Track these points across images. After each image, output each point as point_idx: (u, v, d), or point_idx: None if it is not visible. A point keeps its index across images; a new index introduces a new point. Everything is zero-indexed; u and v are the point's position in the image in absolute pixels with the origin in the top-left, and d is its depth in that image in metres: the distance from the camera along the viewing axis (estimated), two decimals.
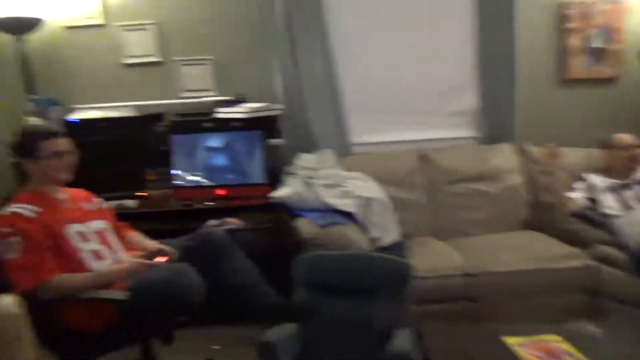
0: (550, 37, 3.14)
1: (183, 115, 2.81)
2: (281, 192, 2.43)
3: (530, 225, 2.79)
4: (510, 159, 2.94)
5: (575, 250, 2.40)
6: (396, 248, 2.39)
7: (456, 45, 3.08)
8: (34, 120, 2.48)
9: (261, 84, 2.95)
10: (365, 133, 3.11)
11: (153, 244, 1.92)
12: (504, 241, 2.59)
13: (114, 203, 2.42)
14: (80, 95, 2.90)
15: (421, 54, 3.06)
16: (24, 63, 2.67)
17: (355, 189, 2.45)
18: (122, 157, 2.58)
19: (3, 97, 2.78)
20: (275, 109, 2.76)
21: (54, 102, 2.57)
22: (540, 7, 3.09)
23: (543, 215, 2.72)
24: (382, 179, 2.75)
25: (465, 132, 3.18)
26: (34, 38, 2.73)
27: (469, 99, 3.15)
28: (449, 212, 2.81)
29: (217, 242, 1.97)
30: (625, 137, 2.73)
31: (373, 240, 2.37)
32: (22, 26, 2.62)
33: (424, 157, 2.92)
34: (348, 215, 2.38)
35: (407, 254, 2.39)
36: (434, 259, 2.37)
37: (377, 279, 1.85)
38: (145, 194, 2.51)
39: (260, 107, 2.63)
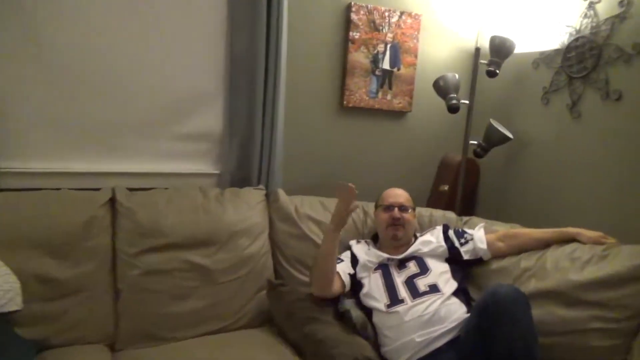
0: (335, 47, 2.30)
1: None
2: None
3: (270, 318, 1.85)
4: (255, 212, 1.97)
5: None
6: None
7: (197, 45, 2.06)
8: None
9: None
10: (36, 158, 1.87)
11: None
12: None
13: None
14: None
15: (149, 52, 1.98)
16: None
17: None
18: None
19: None
20: None
21: None
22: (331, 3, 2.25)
23: (282, 307, 1.78)
24: (27, 241, 1.55)
25: (198, 165, 2.15)
26: None
27: (210, 119, 2.14)
28: (140, 300, 1.69)
29: None
30: (392, 194, 1.98)
31: None
32: None
33: (113, 204, 1.78)
34: None
35: None
36: None
37: None
38: None
39: None
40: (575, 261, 1.66)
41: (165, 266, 1.72)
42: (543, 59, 2.24)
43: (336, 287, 1.77)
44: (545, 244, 1.80)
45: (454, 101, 2.23)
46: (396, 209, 1.90)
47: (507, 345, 1.37)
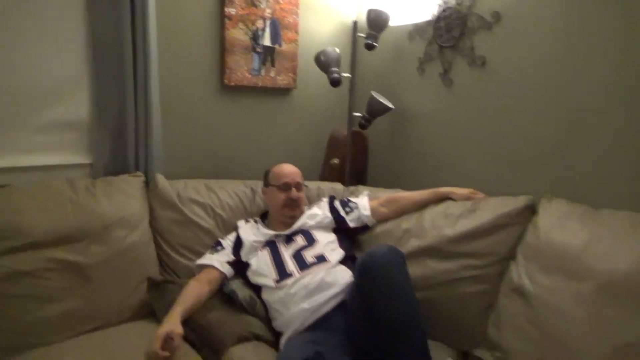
0: (211, 24, 2.21)
1: None
2: None
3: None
4: (132, 201, 1.84)
5: None
6: None
7: (49, 22, 1.87)
8: None
9: None
10: None
11: None
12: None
13: None
14: None
15: None
16: None
17: None
18: None
19: None
20: None
21: None
22: None
23: (164, 304, 1.67)
24: None
25: (65, 157, 1.98)
26: None
27: (75, 107, 1.97)
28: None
29: None
30: (283, 171, 1.95)
31: None
32: None
33: None
34: None
35: None
36: None
37: None
38: None
39: None
40: (449, 217, 1.75)
41: (27, 267, 1.55)
42: (417, 31, 2.32)
43: (213, 284, 1.72)
44: (423, 205, 1.87)
45: (335, 75, 2.24)
46: (294, 189, 1.88)
47: (386, 302, 1.39)
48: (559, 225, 1.51)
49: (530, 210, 1.64)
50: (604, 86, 1.64)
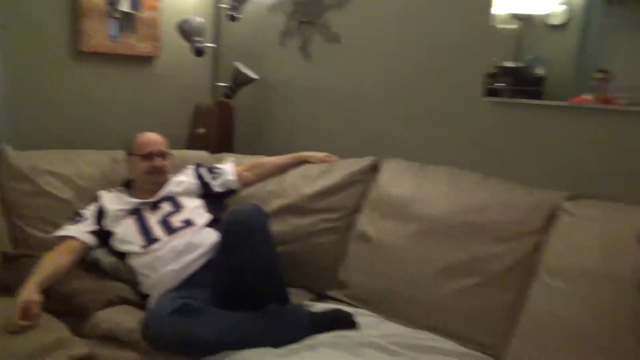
0: None
1: None
2: None
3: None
4: None
5: (60, 336, 1.43)
6: None
7: None
8: None
9: None
10: None
11: None
12: None
13: None
14: None
15: None
16: None
17: None
18: None
19: None
20: None
21: None
22: None
23: (21, 278, 1.59)
24: None
25: None
26: None
27: None
28: None
29: None
30: (147, 140, 1.96)
31: None
32: None
33: None
34: None
35: None
36: None
37: None
38: None
39: None
40: (307, 178, 1.94)
41: None
42: (278, 5, 2.42)
43: (74, 255, 1.69)
44: (285, 168, 2.03)
45: (199, 44, 2.27)
46: (157, 158, 1.88)
47: (247, 248, 1.52)
48: (395, 180, 1.78)
49: (374, 169, 1.89)
50: (438, 59, 1.93)
